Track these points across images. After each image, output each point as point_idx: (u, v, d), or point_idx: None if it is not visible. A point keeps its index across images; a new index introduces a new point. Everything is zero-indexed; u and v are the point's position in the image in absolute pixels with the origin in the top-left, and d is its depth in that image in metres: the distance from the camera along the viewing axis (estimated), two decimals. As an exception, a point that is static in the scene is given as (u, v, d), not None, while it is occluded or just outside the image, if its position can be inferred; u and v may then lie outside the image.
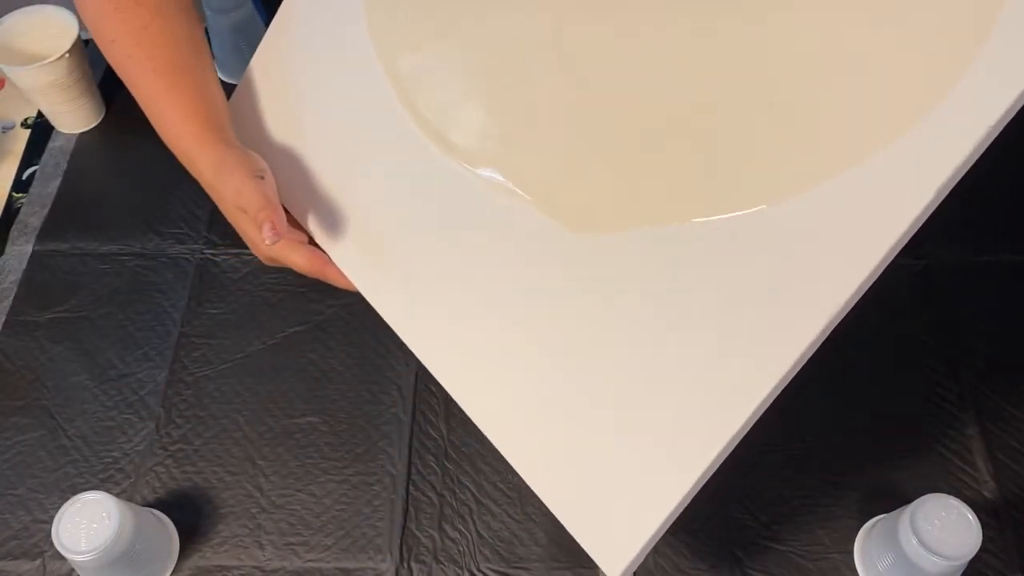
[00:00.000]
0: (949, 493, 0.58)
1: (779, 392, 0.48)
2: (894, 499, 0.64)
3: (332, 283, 0.64)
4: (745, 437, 0.72)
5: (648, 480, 0.51)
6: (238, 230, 0.66)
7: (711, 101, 0.51)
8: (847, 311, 0.46)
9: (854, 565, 0.63)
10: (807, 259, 0.47)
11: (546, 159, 0.57)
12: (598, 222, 0.55)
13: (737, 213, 0.50)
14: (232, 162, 0.62)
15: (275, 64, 0.70)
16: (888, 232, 0.45)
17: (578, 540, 0.53)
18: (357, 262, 0.64)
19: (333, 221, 0.65)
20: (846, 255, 0.46)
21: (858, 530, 0.65)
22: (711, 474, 0.49)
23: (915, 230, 0.45)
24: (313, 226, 0.66)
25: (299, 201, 0.67)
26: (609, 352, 0.53)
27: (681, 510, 0.50)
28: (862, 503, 0.66)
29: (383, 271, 0.63)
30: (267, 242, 0.59)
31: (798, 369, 0.47)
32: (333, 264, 0.64)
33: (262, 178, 0.61)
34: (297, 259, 0.63)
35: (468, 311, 0.59)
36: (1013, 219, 0.80)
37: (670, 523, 0.50)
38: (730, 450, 0.49)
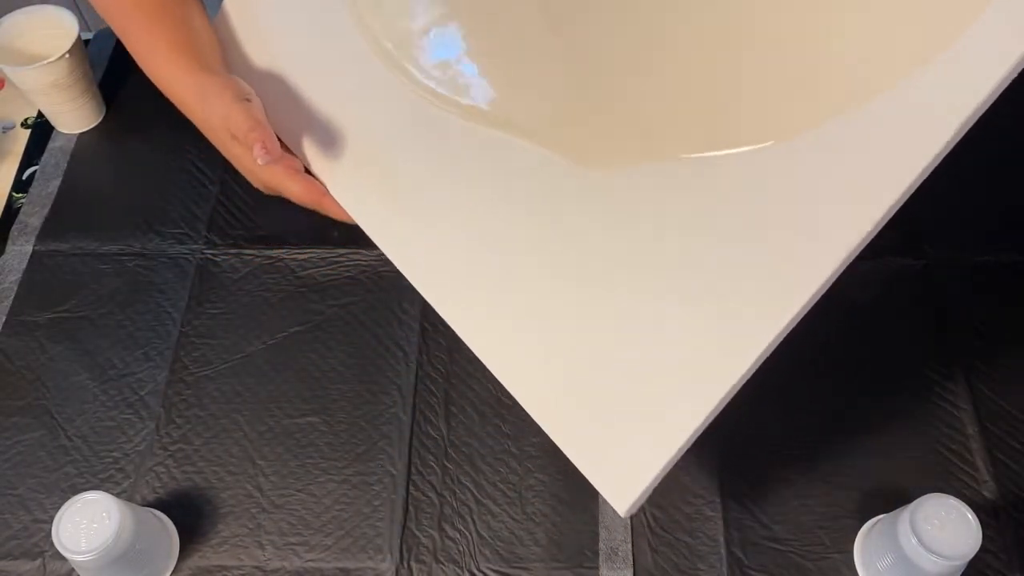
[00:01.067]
0: (949, 493, 0.58)
1: (790, 329, 0.47)
2: (894, 499, 0.64)
3: (329, 214, 0.63)
4: (745, 437, 0.72)
5: (656, 418, 0.51)
6: (232, 160, 0.65)
7: (717, 36, 0.51)
8: (861, 249, 0.45)
9: (854, 565, 0.63)
10: (822, 195, 0.46)
11: (543, 94, 0.56)
12: (599, 157, 0.54)
13: (744, 149, 0.49)
14: (216, 88, 0.61)
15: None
16: (905, 170, 0.44)
17: (587, 476, 0.53)
18: (353, 194, 0.63)
19: (327, 152, 0.64)
20: (861, 192, 0.45)
21: (858, 530, 0.65)
22: (717, 413, 0.49)
23: (927, 172, 0.43)
24: (308, 154, 0.65)
25: (291, 130, 0.65)
26: (618, 289, 0.52)
27: (687, 449, 0.50)
28: (862, 503, 0.66)
29: (381, 203, 0.62)
30: (260, 163, 0.58)
31: (810, 306, 0.46)
32: (330, 195, 0.62)
33: (249, 100, 0.60)
34: (293, 188, 0.62)
35: (470, 244, 0.58)
36: (1013, 219, 0.80)
37: (675, 461, 0.51)
38: (737, 389, 0.49)
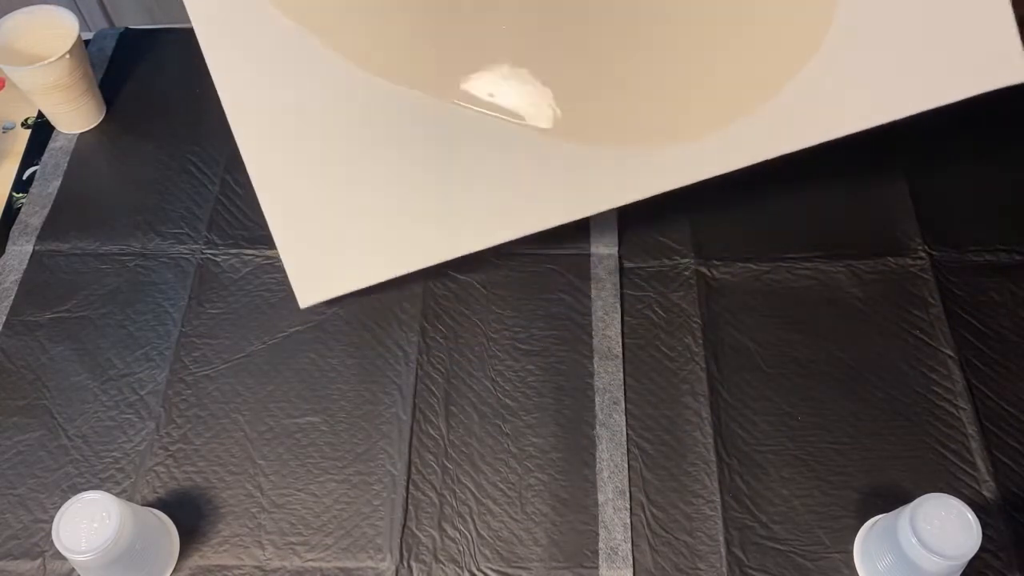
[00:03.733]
0: (949, 493, 0.58)
1: (484, 248, 0.70)
2: (894, 499, 0.64)
3: None
4: (746, 437, 0.72)
5: (357, 262, 0.73)
6: None
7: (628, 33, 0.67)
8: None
9: (854, 565, 0.63)
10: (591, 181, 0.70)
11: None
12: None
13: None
14: None
15: None
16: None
17: (289, 277, 0.74)
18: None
19: None
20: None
21: (858, 530, 0.65)
22: (407, 272, 0.72)
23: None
24: None
25: None
26: (376, 174, 0.71)
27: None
28: (862, 503, 0.66)
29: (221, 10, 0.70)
30: None
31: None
32: None
33: None
34: None
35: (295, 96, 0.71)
36: (1013, 219, 0.80)
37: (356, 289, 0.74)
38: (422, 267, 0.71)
